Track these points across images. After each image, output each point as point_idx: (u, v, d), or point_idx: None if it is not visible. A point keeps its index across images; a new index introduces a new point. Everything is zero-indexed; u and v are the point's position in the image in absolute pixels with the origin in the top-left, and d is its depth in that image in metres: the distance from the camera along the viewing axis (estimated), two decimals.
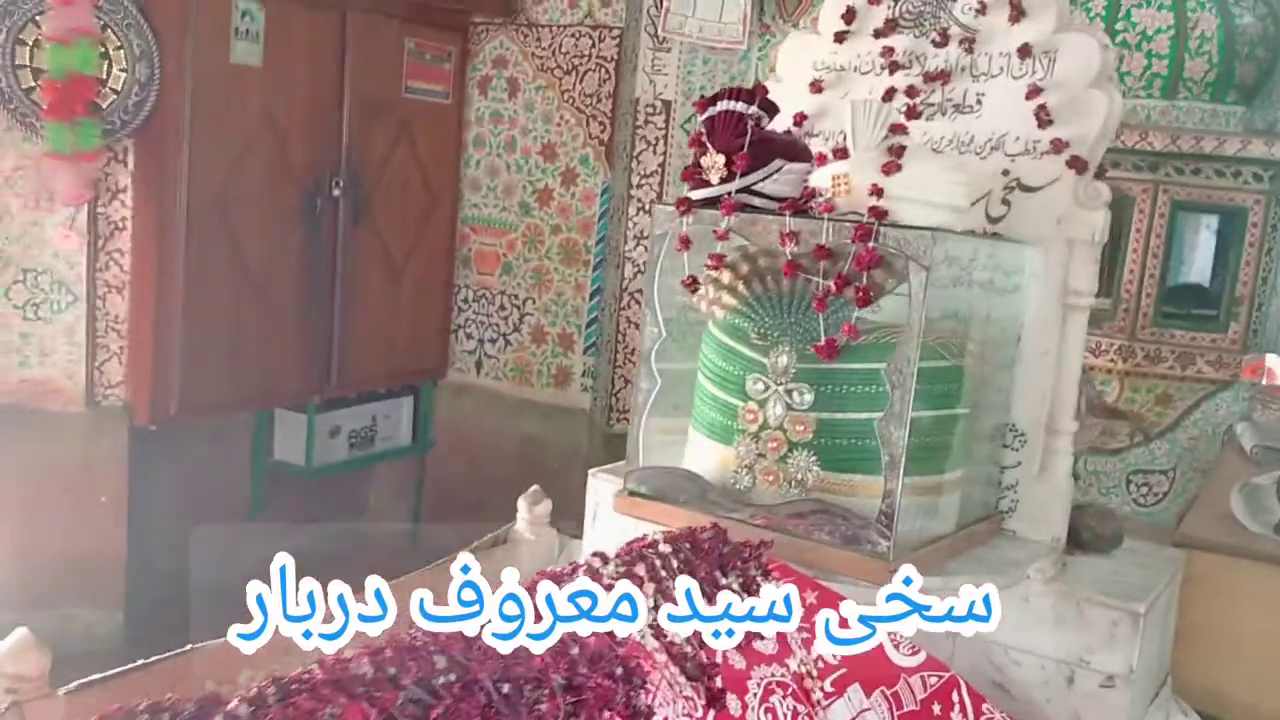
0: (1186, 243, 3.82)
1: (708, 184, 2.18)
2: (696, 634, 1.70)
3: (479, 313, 5.41)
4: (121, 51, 4.00)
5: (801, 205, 2.09)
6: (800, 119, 2.61)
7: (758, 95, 2.14)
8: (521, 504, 3.18)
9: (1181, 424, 3.99)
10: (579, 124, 5.01)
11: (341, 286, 4.81)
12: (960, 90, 2.46)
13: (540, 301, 5.24)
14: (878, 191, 1.99)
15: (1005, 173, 2.40)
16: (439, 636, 1.42)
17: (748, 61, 4.67)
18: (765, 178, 2.16)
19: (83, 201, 4.07)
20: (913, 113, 2.48)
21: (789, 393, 2.13)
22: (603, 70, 4.92)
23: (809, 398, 2.11)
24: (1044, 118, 2.34)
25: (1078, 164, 2.31)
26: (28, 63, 3.89)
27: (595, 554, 1.75)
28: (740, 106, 2.13)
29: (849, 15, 2.56)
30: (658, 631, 1.67)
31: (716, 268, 2.17)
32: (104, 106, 3.99)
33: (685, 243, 2.20)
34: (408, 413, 5.53)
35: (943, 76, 2.45)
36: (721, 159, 2.14)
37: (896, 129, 2.03)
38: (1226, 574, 2.54)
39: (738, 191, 2.16)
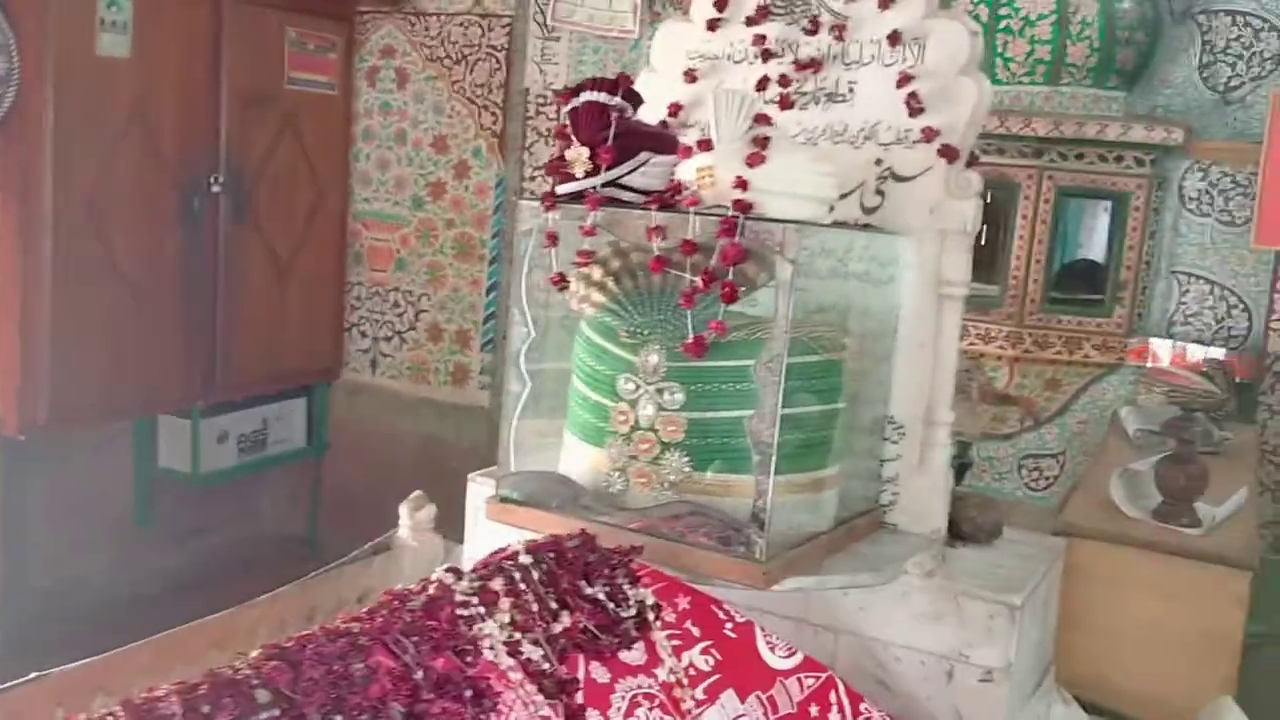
0: (1072, 228, 3.85)
1: (574, 178, 2.11)
2: (554, 648, 1.64)
3: (373, 310, 5.29)
4: None
5: (668, 199, 2.03)
6: (675, 109, 2.55)
7: (621, 86, 2.07)
8: (403, 510, 3.08)
9: (1070, 408, 4.03)
10: (470, 115, 4.90)
11: (224, 286, 4.66)
12: (833, 79, 2.41)
13: (436, 298, 5.13)
14: (742, 184, 1.93)
15: (878, 162, 2.37)
16: (263, 668, 1.33)
17: (639, 50, 4.60)
18: (631, 171, 2.09)
19: None
20: (785, 102, 2.43)
21: (660, 392, 2.07)
22: (493, 60, 4.83)
23: (680, 397, 2.05)
24: (915, 105, 2.30)
25: (948, 153, 2.28)
26: None
27: (449, 569, 1.67)
28: (603, 98, 2.06)
29: (721, 2, 2.50)
30: (513, 648, 1.60)
31: (585, 264, 2.10)
32: None
33: (552, 239, 2.13)
34: (301, 415, 5.39)
35: (814, 65, 2.41)
36: (586, 152, 2.07)
37: (761, 119, 1.98)
38: (1107, 561, 2.54)
39: (603, 185, 2.09)
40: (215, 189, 4.53)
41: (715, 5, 2.51)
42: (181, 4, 4.32)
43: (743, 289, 2.03)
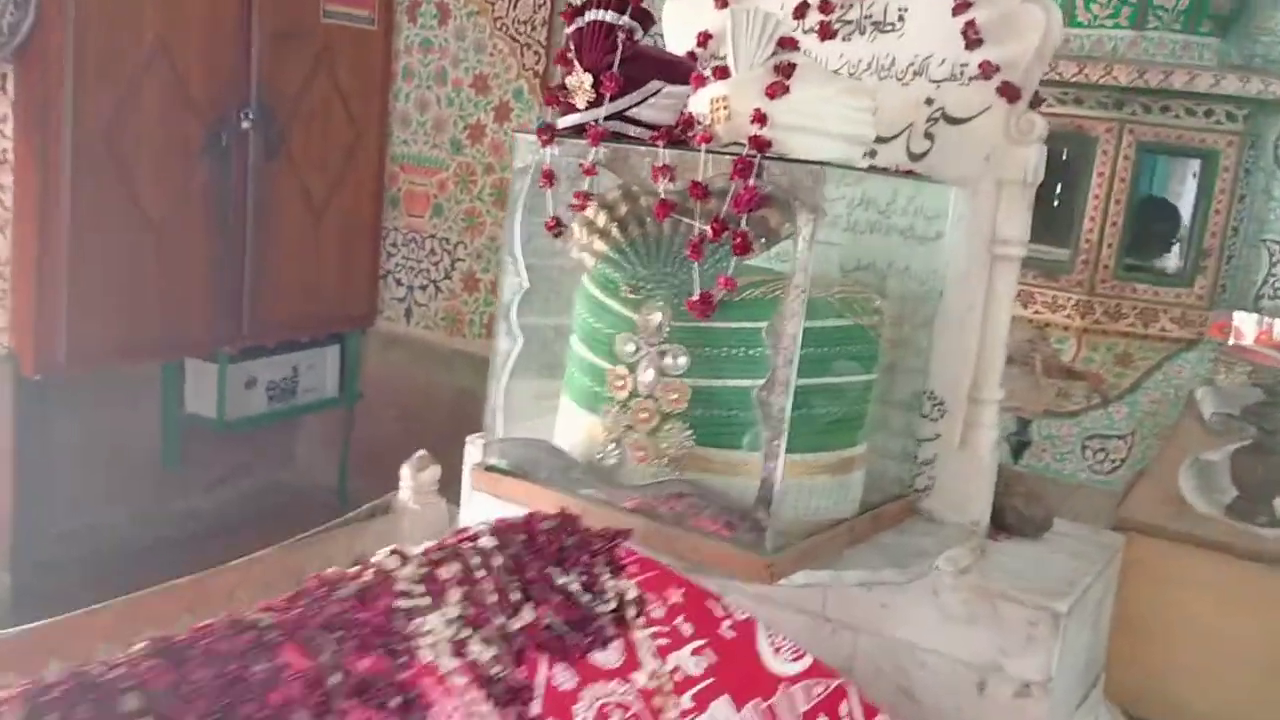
0: (1152, 188, 3.51)
1: (575, 109, 1.87)
2: (510, 648, 1.41)
3: (409, 257, 5.09)
4: None
5: (677, 135, 1.77)
6: (705, 39, 2.27)
7: (630, 3, 1.81)
8: (405, 471, 2.89)
9: (1142, 386, 3.70)
10: (512, 54, 4.65)
11: (254, 228, 4.48)
12: (880, 5, 2.13)
13: (472, 246, 4.92)
14: (760, 118, 1.66)
15: (929, 102, 2.08)
16: (140, 666, 1.12)
17: None
18: (640, 102, 1.84)
19: None
20: (826, 31, 2.15)
21: (661, 355, 1.82)
22: None
23: (684, 361, 1.80)
24: (972, 36, 2.01)
25: (1009, 91, 1.99)
26: None
27: (393, 551, 1.45)
28: (610, 17, 1.81)
29: None
30: (459, 648, 1.38)
31: (583, 208, 1.85)
32: None
33: (549, 178, 1.88)
34: (333, 363, 5.22)
35: None
36: (589, 79, 1.82)
37: (787, 44, 1.71)
38: (1171, 561, 2.25)
39: (608, 118, 1.84)
40: (245, 125, 4.34)
41: None
42: None
43: (761, 240, 1.77)
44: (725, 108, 1.70)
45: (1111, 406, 3.79)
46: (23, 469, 4.12)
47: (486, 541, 1.54)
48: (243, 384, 4.83)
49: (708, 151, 1.71)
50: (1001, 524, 2.19)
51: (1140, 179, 3.44)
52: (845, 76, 1.95)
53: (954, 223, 2.07)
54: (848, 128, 1.75)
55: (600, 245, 1.89)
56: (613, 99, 1.81)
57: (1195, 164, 3.40)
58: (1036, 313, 3.69)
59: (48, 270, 3.86)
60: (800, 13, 2.17)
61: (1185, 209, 3.48)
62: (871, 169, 1.90)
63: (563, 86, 1.86)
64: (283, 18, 4.40)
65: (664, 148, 1.75)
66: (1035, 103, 2.03)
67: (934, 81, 2.08)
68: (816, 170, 1.65)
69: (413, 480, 2.84)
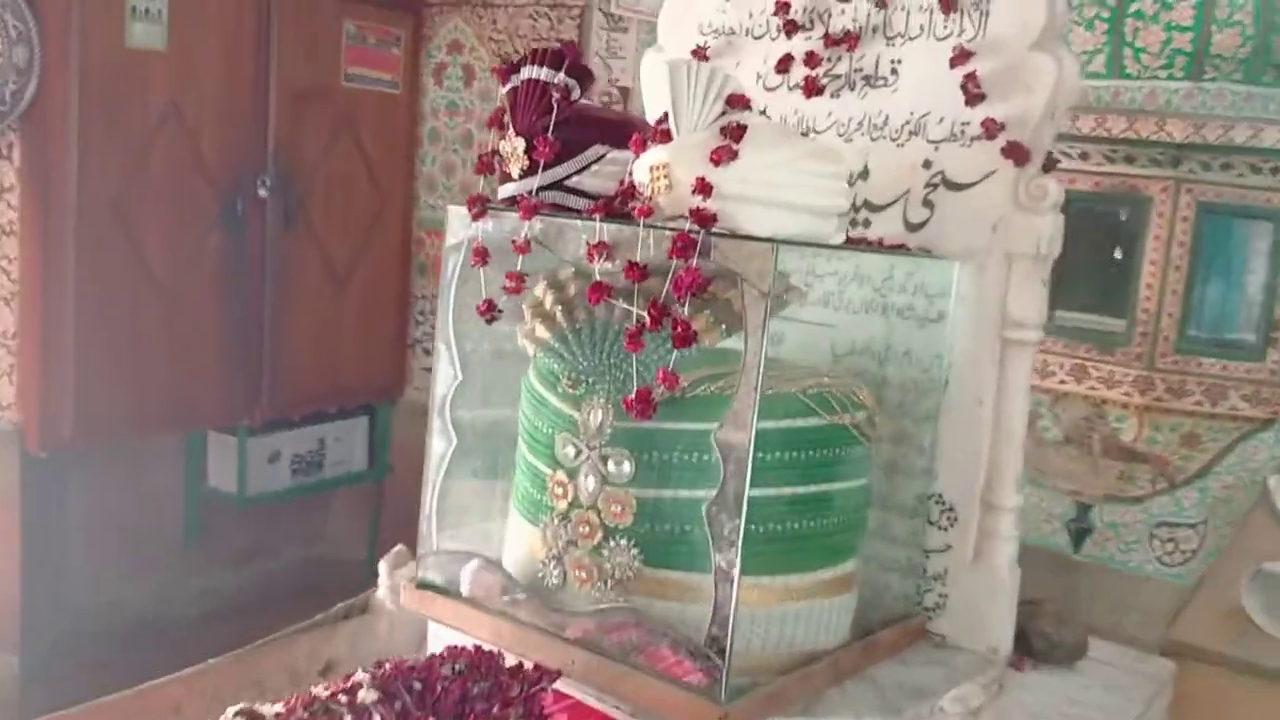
0: (1216, 252, 3.17)
1: (512, 177, 1.65)
2: None
3: None
4: None
5: (617, 207, 1.54)
6: None
7: (567, 58, 1.59)
8: (382, 567, 2.65)
9: (1213, 470, 3.34)
10: None
11: (272, 297, 4.33)
12: (872, 57, 1.88)
13: None
14: (703, 188, 1.42)
15: (927, 165, 1.83)
16: None
17: None
18: (581, 169, 1.61)
19: None
20: (812, 87, 1.91)
21: (604, 460, 1.57)
22: None
23: (628, 468, 1.55)
24: (973, 90, 1.75)
25: (1017, 152, 1.72)
26: None
27: (239, 711, 1.21)
28: (544, 74, 1.58)
29: None
30: None
31: (515, 291, 1.62)
32: None
33: (481, 256, 1.66)
34: (362, 435, 5.04)
35: (849, 40, 1.88)
36: (522, 144, 1.59)
37: (736, 102, 1.46)
38: (1232, 696, 1.92)
39: (547, 188, 1.62)
40: (262, 192, 4.21)
41: None
42: None
43: (722, 327, 1.52)
44: (665, 176, 1.46)
45: (1179, 491, 3.42)
46: (34, 545, 3.99)
47: (367, 695, 1.29)
48: (265, 458, 4.67)
49: (646, 226, 1.47)
50: (1027, 650, 1.89)
51: (1202, 243, 3.11)
52: (810, 139, 1.69)
53: (958, 302, 1.80)
54: (810, 198, 1.50)
55: (543, 331, 1.65)
56: (548, 166, 1.58)
57: (1264, 226, 3.07)
58: (1092, 389, 3.36)
59: (53, 343, 3.74)
60: (783, 67, 1.93)
61: (1255, 276, 3.14)
62: (850, 243, 1.65)
63: (496, 153, 1.64)
64: (302, 81, 4.28)
65: (601, 221, 1.51)
66: (1049, 165, 1.76)
67: (932, 142, 1.82)
68: (764, 248, 1.39)
69: (389, 577, 2.61)
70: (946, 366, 1.82)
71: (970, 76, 1.75)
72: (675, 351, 1.44)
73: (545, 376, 1.66)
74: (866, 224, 1.88)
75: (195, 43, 3.93)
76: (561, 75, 1.57)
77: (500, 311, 1.63)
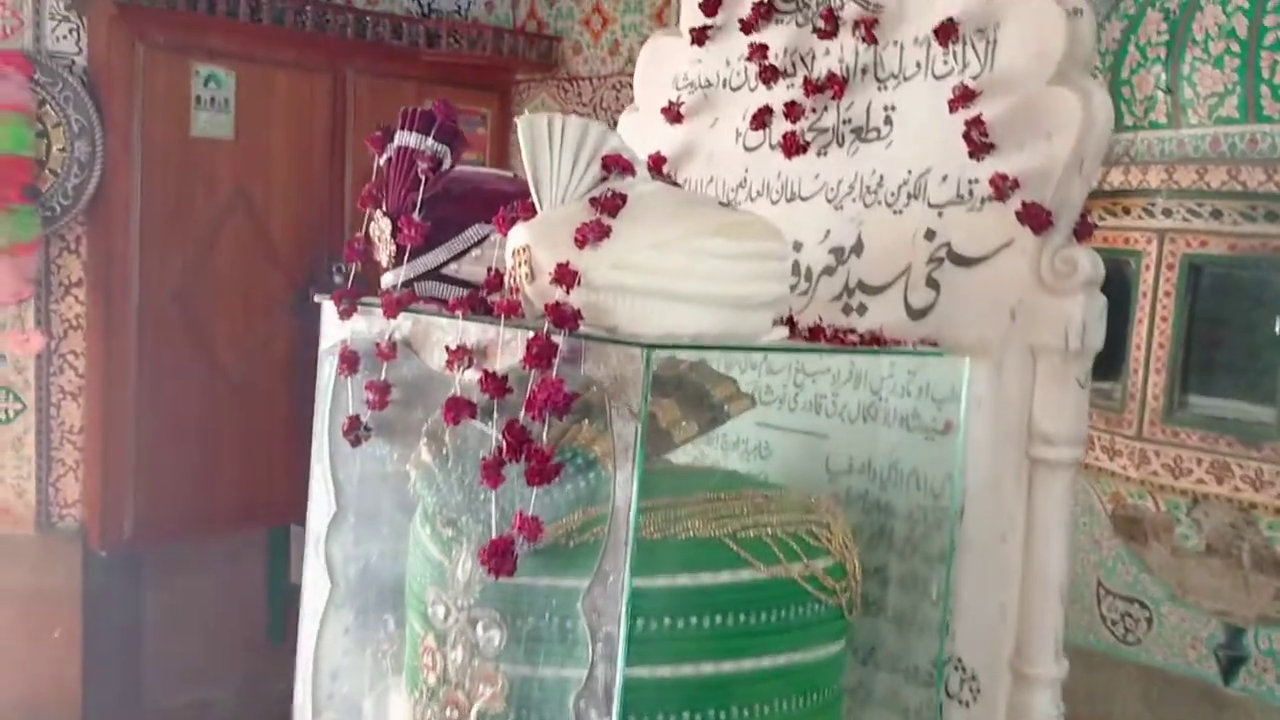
0: None
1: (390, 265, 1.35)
2: None
3: None
4: (60, 129, 3.52)
5: (479, 300, 1.22)
6: (658, 162, 1.74)
7: (438, 119, 1.30)
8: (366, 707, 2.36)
9: None
10: None
11: None
12: (862, 104, 1.52)
13: None
14: (564, 276, 1.09)
15: (930, 236, 1.44)
16: None
17: None
18: (458, 254, 1.31)
19: (22, 299, 3.59)
20: (793, 145, 1.56)
21: (473, 624, 1.24)
22: None
23: (496, 637, 1.21)
24: (979, 139, 1.37)
25: (1035, 217, 1.33)
26: None
27: None
28: (412, 140, 1.29)
29: (712, 5, 1.67)
30: None
31: (379, 405, 1.32)
32: (43, 191, 3.51)
33: (349, 363, 1.36)
34: None
35: (835, 85, 1.52)
36: (388, 226, 1.30)
37: (614, 163, 1.13)
38: None
39: (422, 277, 1.32)
40: (337, 279, 4.06)
41: (702, 7, 1.67)
42: (296, 80, 3.91)
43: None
44: (527, 262, 1.14)
45: None
46: (102, 647, 3.89)
47: None
48: None
49: (507, 325, 1.15)
50: None
51: None
52: (729, 209, 1.30)
53: (971, 409, 1.40)
54: (724, 285, 1.15)
55: (425, 455, 1.34)
56: (418, 252, 1.28)
57: None
58: (1236, 489, 2.83)
59: (114, 440, 3.64)
60: (760, 122, 1.59)
61: None
62: (797, 340, 1.27)
63: (365, 236, 1.35)
64: None
65: (464, 319, 1.20)
66: (1082, 231, 1.35)
67: (935, 206, 1.44)
68: (634, 353, 1.05)
69: None
70: (960, 491, 1.42)
71: (975, 122, 1.37)
72: (546, 487, 1.11)
73: (423, 513, 1.34)
74: (861, 310, 1.51)
75: (263, 130, 3.83)
76: (430, 141, 1.27)
77: (368, 430, 1.33)
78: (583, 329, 1.09)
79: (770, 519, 1.25)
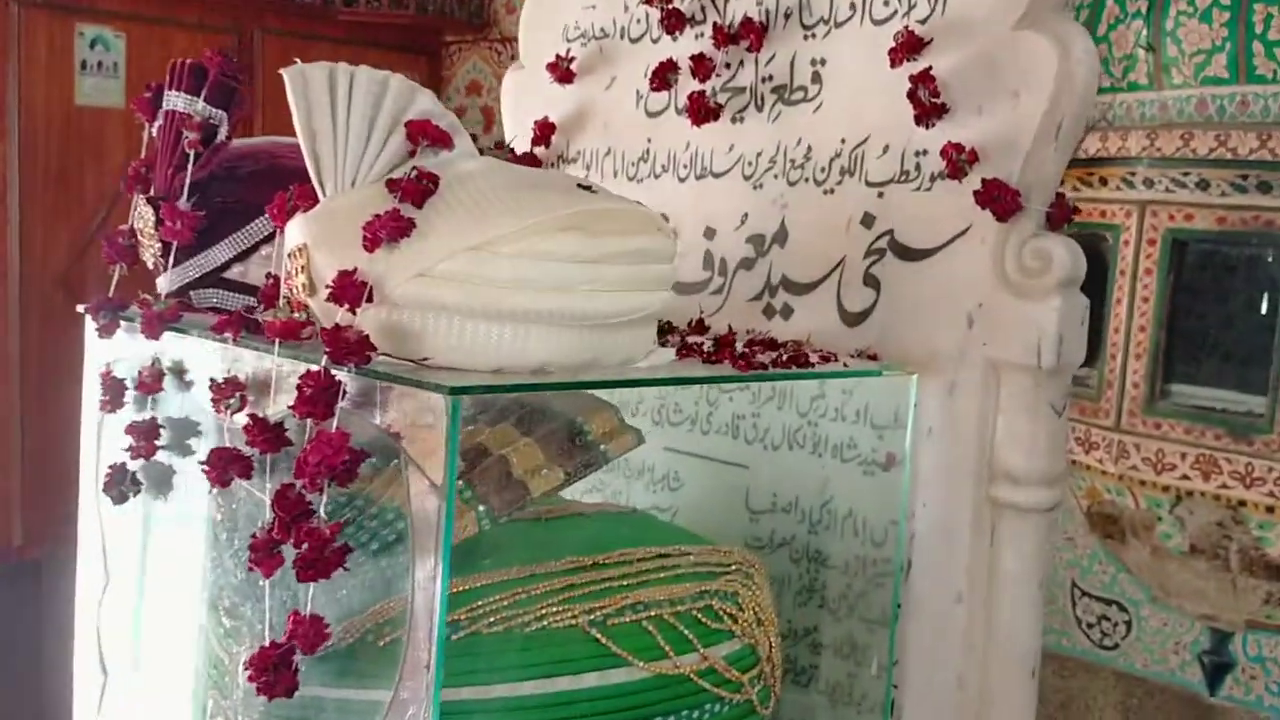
0: None
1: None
2: None
3: None
4: None
5: (251, 315, 0.92)
6: (544, 131, 1.43)
7: (211, 72, 0.99)
8: None
9: None
10: None
11: None
12: (785, 58, 1.22)
13: None
14: (346, 291, 0.79)
15: (868, 221, 1.15)
16: None
17: None
18: (244, 253, 1.00)
19: None
20: (702, 108, 1.25)
21: None
22: None
23: None
24: (927, 100, 1.07)
25: (998, 199, 1.03)
26: None
27: None
28: (179, 102, 0.98)
29: None
30: None
31: (146, 453, 1.01)
32: None
33: (111, 396, 1.05)
34: None
35: (751, 33, 1.22)
36: (151, 216, 0.99)
37: (422, 133, 0.83)
38: None
39: (197, 284, 1.01)
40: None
41: None
42: (195, 42, 3.55)
43: (478, 509, 0.89)
44: (305, 269, 0.83)
45: None
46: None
47: None
48: None
49: (282, 354, 0.84)
50: None
51: None
52: (589, 191, 0.97)
53: (919, 439, 1.11)
54: (571, 299, 0.84)
55: (217, 516, 1.04)
56: (188, 250, 0.97)
57: None
58: (1224, 487, 2.58)
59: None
60: (662, 80, 1.28)
61: None
62: (628, 379, 0.97)
63: (131, 231, 1.04)
64: (287, 132, 3.80)
65: (234, 343, 0.89)
66: (1059, 216, 1.06)
67: (874, 185, 1.14)
68: (435, 401, 0.75)
69: None
70: (905, 540, 1.13)
71: (923, 78, 1.07)
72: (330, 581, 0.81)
73: (212, 595, 1.04)
74: (786, 313, 1.22)
75: None
76: (200, 103, 0.96)
77: (137, 485, 1.02)
78: (379, 363, 0.79)
79: (656, 594, 0.96)
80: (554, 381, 0.83)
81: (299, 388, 0.78)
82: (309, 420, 0.78)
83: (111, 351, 1.06)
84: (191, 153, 0.95)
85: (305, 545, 0.78)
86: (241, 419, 0.86)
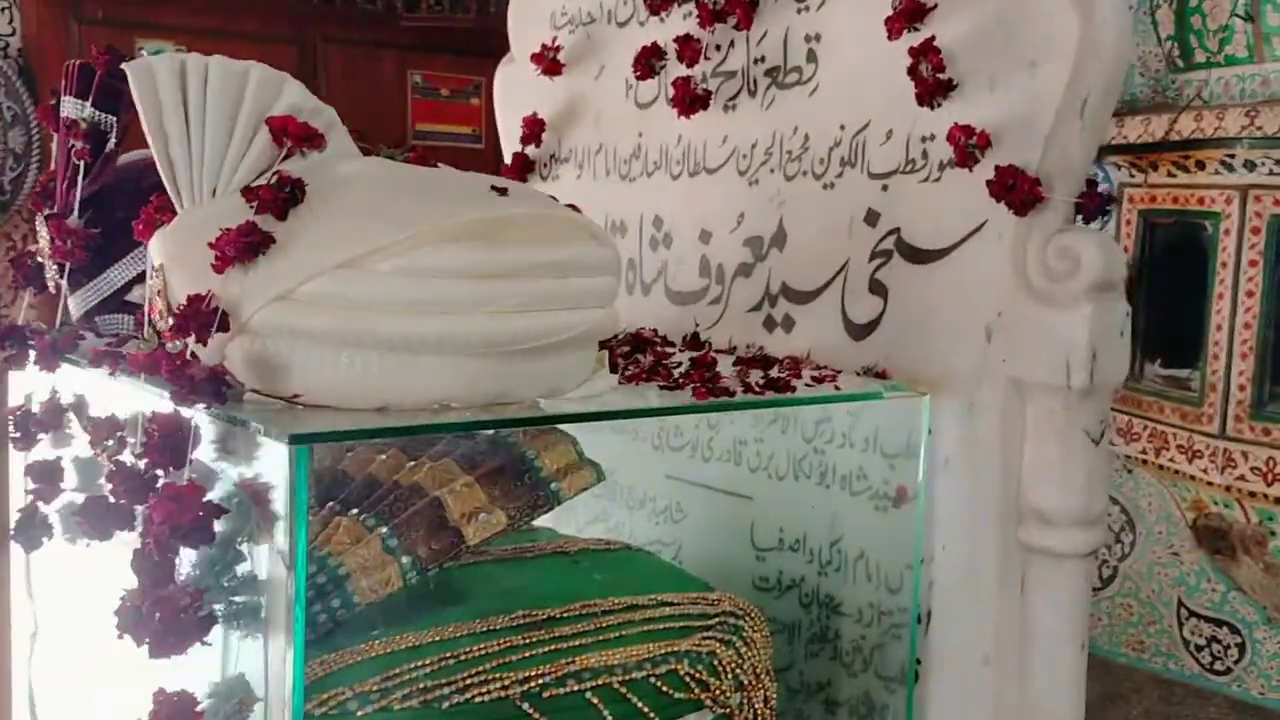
0: None
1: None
2: None
3: None
4: None
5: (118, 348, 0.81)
6: (533, 128, 1.31)
7: (99, 69, 0.88)
8: None
9: None
10: None
11: None
12: (777, 36, 1.07)
13: None
14: (193, 319, 0.67)
15: (872, 218, 0.99)
16: None
17: None
18: (141, 275, 0.89)
19: None
20: (688, 96, 1.11)
21: None
22: None
23: None
24: (931, 75, 0.91)
25: (1015, 188, 0.87)
26: None
27: None
28: (70, 108, 0.88)
29: None
30: None
31: (43, 496, 0.91)
32: None
33: (24, 433, 0.96)
34: None
35: (739, 9, 1.07)
36: (45, 237, 0.90)
37: (285, 131, 0.71)
38: None
39: (99, 308, 0.91)
40: None
41: None
42: (258, 53, 3.49)
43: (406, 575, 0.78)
44: (162, 293, 0.72)
45: None
46: None
47: None
48: None
49: (150, 386, 0.73)
50: None
51: None
52: (500, 194, 0.81)
53: (934, 470, 0.95)
54: (467, 322, 0.71)
55: None
56: (86, 271, 0.87)
57: None
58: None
59: None
60: (645, 68, 1.14)
61: None
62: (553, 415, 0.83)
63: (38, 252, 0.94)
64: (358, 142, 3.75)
65: (114, 374, 0.79)
66: (1090, 207, 0.89)
67: (877, 176, 0.99)
68: (277, 451, 0.63)
69: None
70: (922, 588, 0.97)
71: (926, 50, 0.91)
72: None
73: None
74: (788, 325, 1.07)
75: None
76: (89, 108, 0.86)
77: (49, 530, 0.92)
78: (252, 401, 0.67)
79: (610, 657, 0.83)
80: (432, 424, 0.70)
81: (146, 431, 0.67)
82: (158, 471, 0.67)
83: (30, 384, 0.97)
84: (80, 164, 0.85)
85: (156, 614, 0.67)
86: (113, 462, 0.75)
